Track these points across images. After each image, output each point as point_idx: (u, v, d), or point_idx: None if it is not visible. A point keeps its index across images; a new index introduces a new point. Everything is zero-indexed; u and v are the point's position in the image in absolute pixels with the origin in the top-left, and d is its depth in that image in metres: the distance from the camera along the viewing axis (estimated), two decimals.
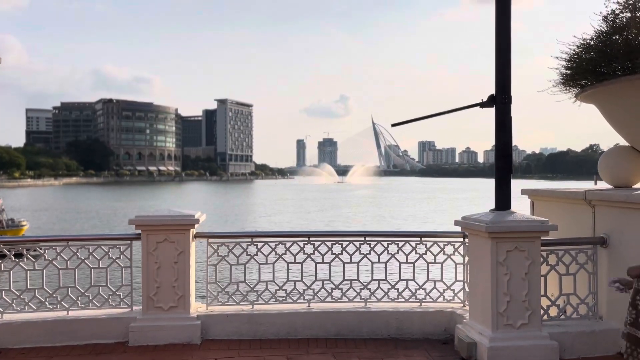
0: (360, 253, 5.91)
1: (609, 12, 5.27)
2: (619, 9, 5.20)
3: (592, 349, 5.09)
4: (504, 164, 5.12)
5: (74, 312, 5.62)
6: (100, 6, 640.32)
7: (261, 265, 5.90)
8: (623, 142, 5.94)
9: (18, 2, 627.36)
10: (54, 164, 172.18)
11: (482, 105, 5.19)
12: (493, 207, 5.25)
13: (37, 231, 36.08)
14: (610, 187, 5.91)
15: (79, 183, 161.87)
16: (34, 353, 5.21)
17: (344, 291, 5.97)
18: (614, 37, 5.19)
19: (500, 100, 5.08)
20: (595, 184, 6.37)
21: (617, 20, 5.21)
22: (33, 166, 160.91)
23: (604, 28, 5.33)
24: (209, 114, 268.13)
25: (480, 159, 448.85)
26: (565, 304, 5.37)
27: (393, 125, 6.01)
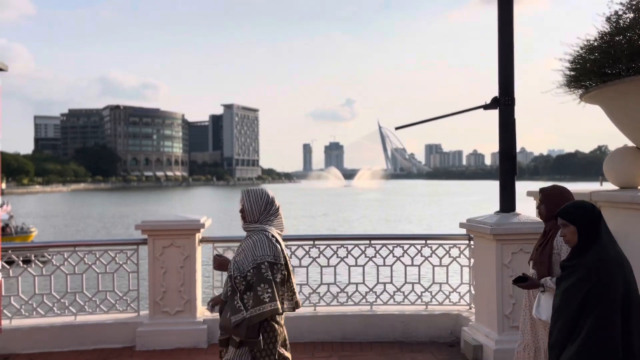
0: (366, 256, 5.92)
1: (612, 13, 5.26)
2: (622, 9, 5.18)
3: None
4: (508, 166, 5.12)
5: (82, 317, 5.66)
6: (106, 13, 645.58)
7: None
8: (631, 143, 5.92)
9: (25, 11, 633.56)
10: (62, 171, 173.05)
11: (486, 107, 5.20)
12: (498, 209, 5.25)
13: (45, 237, 36.29)
14: (616, 188, 5.88)
15: (87, 189, 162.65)
16: (42, 358, 5.26)
17: (349, 295, 5.98)
18: (617, 38, 5.17)
19: (504, 102, 5.08)
20: (601, 185, 6.35)
21: (621, 21, 5.19)
22: (41, 173, 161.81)
23: (607, 29, 5.31)
24: (216, 119, 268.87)
25: (488, 161, 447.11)
26: None
27: (397, 128, 6.04)
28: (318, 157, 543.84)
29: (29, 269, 5.66)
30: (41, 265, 5.74)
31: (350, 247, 5.89)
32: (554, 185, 3.88)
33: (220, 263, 3.47)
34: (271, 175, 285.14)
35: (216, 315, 5.76)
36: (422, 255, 5.94)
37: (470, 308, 5.88)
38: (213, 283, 5.88)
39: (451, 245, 5.92)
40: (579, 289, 2.73)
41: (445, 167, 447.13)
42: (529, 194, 6.71)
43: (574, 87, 5.96)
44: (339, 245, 5.90)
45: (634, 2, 5.12)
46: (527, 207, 5.84)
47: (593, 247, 2.80)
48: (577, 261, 2.82)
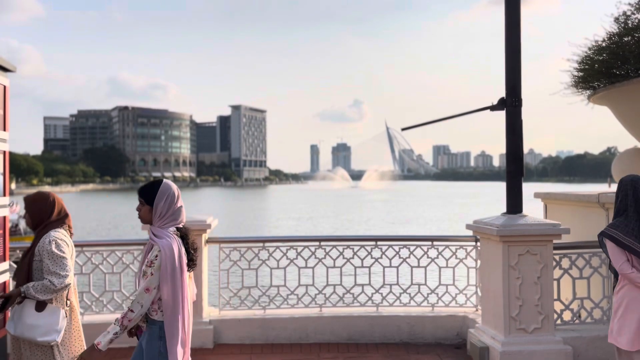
0: (372, 257, 5.91)
1: (620, 14, 5.24)
2: (631, 10, 5.16)
3: (607, 354, 5.02)
4: (514, 168, 5.10)
5: (88, 317, 5.68)
6: (116, 15, 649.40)
7: (273, 270, 5.92)
8: None
9: (35, 13, 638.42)
10: (71, 171, 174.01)
11: (493, 108, 5.18)
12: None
13: None
14: None
15: (95, 189, 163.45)
16: None
17: (355, 296, 5.97)
18: (625, 39, 5.15)
19: (511, 103, 5.05)
20: (609, 186, 6.30)
21: (629, 22, 5.17)
22: (51, 173, 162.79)
23: (615, 30, 5.29)
24: (223, 120, 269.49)
25: (496, 162, 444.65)
26: (579, 308, 5.31)
27: (403, 129, 6.03)
28: (325, 158, 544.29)
29: None
30: None
31: (356, 248, 5.89)
32: (36, 191, 3.86)
33: None
34: (278, 176, 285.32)
35: (223, 316, 5.80)
36: (428, 257, 5.92)
37: (477, 310, 5.86)
38: (219, 283, 5.90)
39: (458, 247, 5.90)
40: None
41: (453, 168, 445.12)
42: (536, 195, 6.70)
43: (582, 88, 5.94)
44: (345, 247, 5.90)
45: None
46: (534, 209, 5.82)
47: None
48: None
